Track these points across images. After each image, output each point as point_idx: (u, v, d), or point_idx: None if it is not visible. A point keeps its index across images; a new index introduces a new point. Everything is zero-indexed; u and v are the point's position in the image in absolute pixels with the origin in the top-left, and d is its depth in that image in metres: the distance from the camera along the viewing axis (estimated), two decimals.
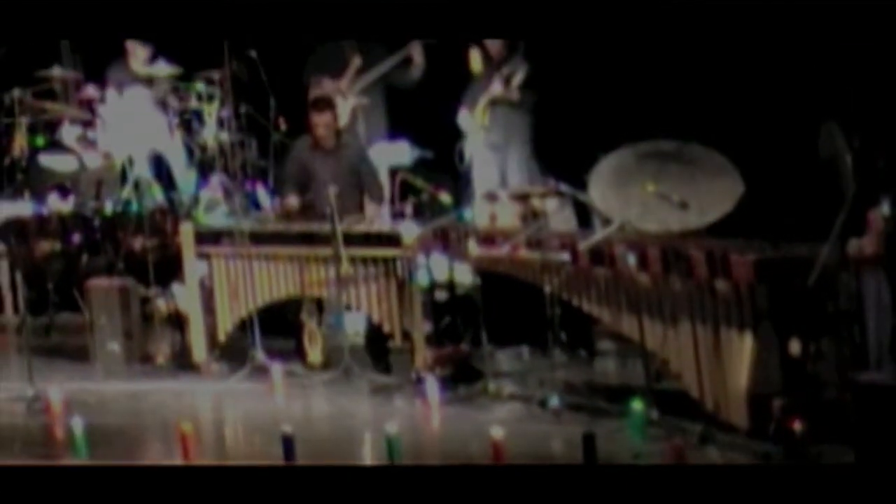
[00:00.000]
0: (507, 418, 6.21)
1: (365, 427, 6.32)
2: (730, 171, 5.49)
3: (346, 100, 8.53)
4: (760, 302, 5.37)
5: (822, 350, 5.25)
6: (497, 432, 5.46)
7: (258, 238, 7.14)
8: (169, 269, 8.19)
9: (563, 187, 6.35)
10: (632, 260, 5.69)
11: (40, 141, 8.98)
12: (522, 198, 6.72)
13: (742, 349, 5.43)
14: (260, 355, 7.15)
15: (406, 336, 6.91)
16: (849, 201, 4.86)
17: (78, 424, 6.15)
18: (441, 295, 7.47)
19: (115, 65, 9.04)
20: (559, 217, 6.62)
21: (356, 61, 8.54)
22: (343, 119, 8.36)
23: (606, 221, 5.80)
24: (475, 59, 7.76)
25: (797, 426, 5.14)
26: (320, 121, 7.46)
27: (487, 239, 6.46)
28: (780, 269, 5.30)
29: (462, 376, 6.81)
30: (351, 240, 6.78)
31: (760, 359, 5.44)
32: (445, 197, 6.87)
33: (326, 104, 7.65)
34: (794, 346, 5.25)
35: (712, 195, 5.47)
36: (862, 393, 4.93)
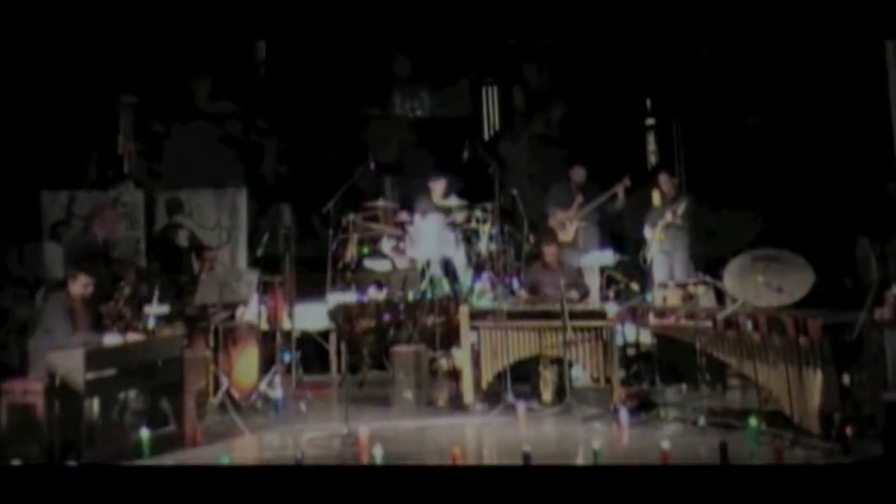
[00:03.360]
0: (672, 434, 7.77)
1: (579, 443, 7.66)
2: (807, 268, 7.68)
3: (573, 223, 11.12)
4: (826, 351, 7.42)
5: (863, 381, 7.29)
6: (665, 444, 7.08)
7: (512, 315, 9.06)
8: (450, 337, 10.12)
9: (708, 279, 8.67)
10: (749, 325, 7.82)
11: (365, 250, 11.06)
12: (683, 286, 9.11)
13: (815, 382, 7.48)
14: (510, 397, 8.89)
15: (607, 380, 8.79)
16: (874, 286, 7.27)
17: (378, 452, 7.25)
18: (631, 351, 9.39)
19: (420, 197, 11.40)
20: (705, 298, 8.90)
21: (579, 198, 11.24)
22: (570, 236, 11.03)
23: (734, 300, 8.09)
24: (656, 196, 10.53)
25: (849, 431, 7.14)
26: (548, 251, 9.92)
27: (661, 313, 8.57)
28: (837, 330, 7.39)
29: (643, 407, 8.63)
30: (574, 315, 8.76)
31: (826, 388, 7.40)
32: (635, 286, 9.22)
33: (553, 239, 10.23)
34: (845, 379, 7.32)
35: (796, 283, 7.60)
36: (888, 408, 6.92)
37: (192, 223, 11.91)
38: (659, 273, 10.28)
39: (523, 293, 9.69)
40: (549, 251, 9.85)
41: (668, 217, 10.37)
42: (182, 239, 11.50)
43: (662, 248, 10.49)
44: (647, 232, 10.61)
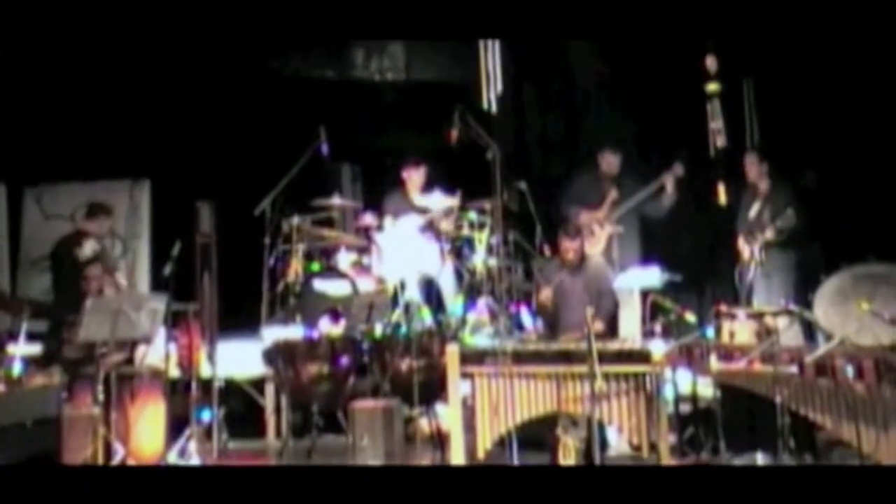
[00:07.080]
0: None
1: None
2: None
3: (603, 228, 11.20)
4: None
5: None
6: None
7: (519, 357, 9.01)
8: (433, 389, 10.13)
9: (792, 306, 8.76)
10: (850, 371, 7.87)
11: (315, 266, 11.21)
12: (758, 316, 9.16)
13: None
14: None
15: (652, 447, 8.81)
16: None
17: None
18: (685, 407, 9.50)
19: (391, 193, 11.61)
20: (789, 333, 9.00)
21: (613, 193, 11.54)
22: (600, 245, 11.03)
23: (828, 336, 8.23)
24: (721, 192, 10.56)
25: None
26: (570, 246, 10.18)
27: (727, 354, 8.60)
28: None
29: None
30: (605, 357, 8.56)
31: None
32: (690, 316, 9.16)
33: (577, 232, 10.42)
34: None
35: None
36: None
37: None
38: (761, 301, 10.57)
39: (539, 325, 9.96)
40: (571, 247, 10.10)
41: (770, 234, 10.74)
42: None
43: (763, 269, 10.92)
44: (742, 245, 10.95)
